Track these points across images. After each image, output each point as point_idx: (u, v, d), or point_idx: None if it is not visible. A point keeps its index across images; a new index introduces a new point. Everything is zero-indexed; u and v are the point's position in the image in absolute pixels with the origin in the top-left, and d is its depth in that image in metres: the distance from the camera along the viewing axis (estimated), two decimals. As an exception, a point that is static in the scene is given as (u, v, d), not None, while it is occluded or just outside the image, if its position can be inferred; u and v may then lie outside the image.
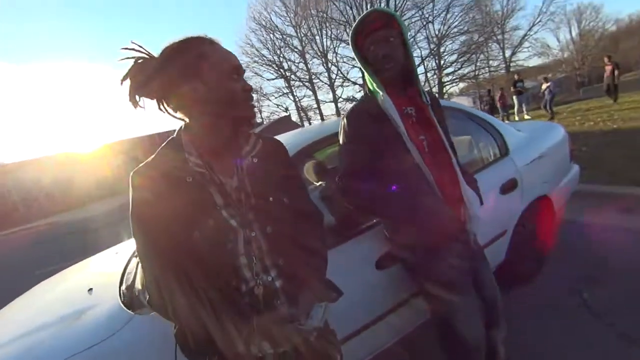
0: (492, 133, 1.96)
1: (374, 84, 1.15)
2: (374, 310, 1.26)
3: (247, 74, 17.77)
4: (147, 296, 0.81)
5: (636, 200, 2.75)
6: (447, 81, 23.60)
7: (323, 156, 2.32)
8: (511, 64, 24.46)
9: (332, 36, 22.67)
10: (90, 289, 1.33)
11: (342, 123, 1.19)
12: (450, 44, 22.99)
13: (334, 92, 24.43)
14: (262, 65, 24.05)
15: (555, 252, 2.19)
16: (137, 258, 1.42)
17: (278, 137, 1.02)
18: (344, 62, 23.20)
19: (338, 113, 24.12)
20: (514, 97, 10.86)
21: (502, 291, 1.31)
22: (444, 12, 21.84)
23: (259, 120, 24.86)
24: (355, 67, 23.15)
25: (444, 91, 23.19)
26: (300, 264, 0.83)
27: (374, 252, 1.28)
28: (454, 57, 23.13)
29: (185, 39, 0.74)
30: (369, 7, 20.87)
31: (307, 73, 24.38)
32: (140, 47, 0.76)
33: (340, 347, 0.93)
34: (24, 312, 1.50)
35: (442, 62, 23.11)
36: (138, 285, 1.19)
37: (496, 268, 1.81)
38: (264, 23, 23.46)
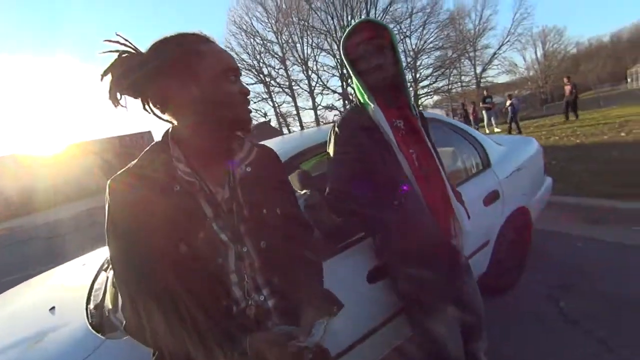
0: (474, 145, 2.01)
1: (365, 95, 1.12)
2: (367, 324, 1.22)
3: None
4: (123, 320, 0.73)
5: (603, 212, 2.91)
6: (423, 93, 24.55)
7: (307, 166, 2.27)
8: (481, 80, 25.84)
9: (313, 44, 22.95)
10: (53, 307, 1.20)
11: (332, 133, 1.16)
12: (426, 58, 24.09)
13: (313, 99, 24.61)
14: (241, 70, 23.79)
15: (530, 261, 2.25)
16: (109, 273, 1.30)
17: None
18: (324, 70, 23.51)
19: (317, 120, 24.26)
20: (484, 112, 11.60)
21: (485, 300, 1.32)
22: (421, 28, 22.83)
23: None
24: (335, 76, 23.54)
25: (419, 103, 23.99)
26: (297, 280, 0.78)
27: (365, 264, 1.24)
28: (429, 70, 24.22)
29: (179, 34, 0.68)
30: (349, 18, 21.35)
31: (287, 79, 24.41)
32: (126, 40, 0.69)
33: None
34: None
35: (417, 75, 24.03)
36: (108, 303, 1.08)
37: (479, 278, 1.82)
38: (244, 27, 23.35)
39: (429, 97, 25.85)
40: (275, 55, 23.91)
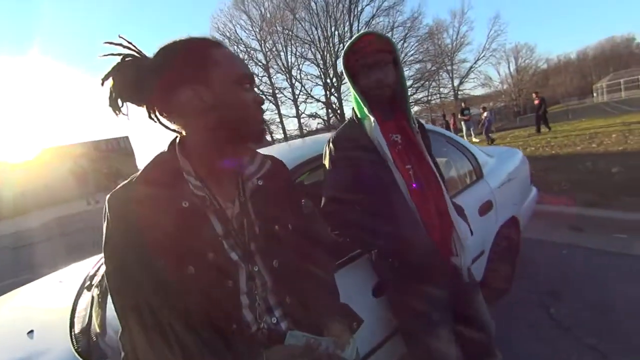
0: (467, 156, 2.03)
1: (364, 109, 1.09)
2: (373, 338, 1.18)
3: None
4: (113, 346, 0.66)
5: (585, 220, 3.02)
6: (404, 104, 25.13)
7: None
8: (459, 92, 26.87)
9: (297, 53, 23.12)
10: (31, 331, 1.08)
11: (327, 148, 1.14)
12: (407, 70, 24.74)
13: (297, 107, 24.68)
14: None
15: (519, 269, 2.29)
16: (94, 292, 1.19)
17: None
18: (308, 79, 23.69)
19: (301, 128, 24.31)
20: (462, 123, 12.17)
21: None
22: (402, 41, 23.56)
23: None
24: (319, 85, 23.76)
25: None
26: (312, 297, 0.74)
27: (370, 278, 1.21)
28: (410, 82, 24.86)
29: (189, 38, 0.63)
30: (333, 29, 21.70)
31: (270, 87, 24.40)
32: (130, 43, 0.63)
33: None
34: None
35: (399, 86, 24.63)
36: (95, 327, 0.98)
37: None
38: (228, 35, 23.25)
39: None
40: (259, 63, 23.91)
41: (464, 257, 1.11)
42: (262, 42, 23.31)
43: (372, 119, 1.08)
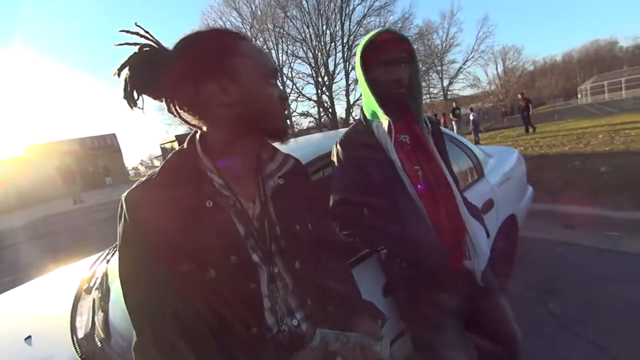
0: (469, 155, 2.04)
1: (379, 110, 1.06)
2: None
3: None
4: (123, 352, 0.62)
5: (577, 218, 3.09)
6: (395, 103, 25.36)
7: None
8: (448, 92, 27.19)
9: (288, 51, 22.97)
10: (29, 337, 1.03)
11: (335, 149, 1.13)
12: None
13: (288, 106, 24.56)
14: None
15: (516, 266, 2.32)
16: (96, 295, 1.13)
17: None
18: (300, 77, 23.56)
19: (292, 127, 24.19)
20: (453, 122, 12.39)
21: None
22: (393, 40, 23.56)
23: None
24: (310, 83, 23.68)
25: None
26: (336, 297, 0.72)
27: (380, 277, 1.20)
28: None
29: (213, 29, 0.61)
30: (324, 27, 21.65)
31: (261, 86, 24.19)
32: (147, 32, 0.60)
33: None
34: None
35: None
36: (99, 332, 0.94)
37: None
38: (218, 32, 22.89)
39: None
40: (250, 61, 23.65)
41: (477, 261, 1.07)
42: (253, 39, 23.09)
43: (386, 119, 1.04)
